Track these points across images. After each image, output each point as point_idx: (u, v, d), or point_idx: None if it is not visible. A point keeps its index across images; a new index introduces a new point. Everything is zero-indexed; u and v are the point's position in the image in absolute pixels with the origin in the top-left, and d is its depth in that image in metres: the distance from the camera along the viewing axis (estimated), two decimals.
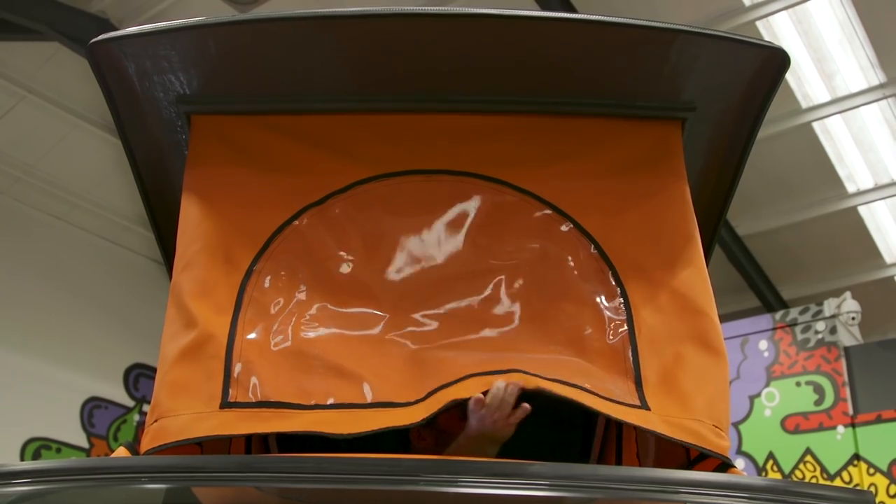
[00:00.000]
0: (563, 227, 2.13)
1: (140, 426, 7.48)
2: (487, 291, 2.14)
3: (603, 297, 2.14)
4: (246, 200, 2.12)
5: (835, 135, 6.83)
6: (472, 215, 2.14)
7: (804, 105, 6.57)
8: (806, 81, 6.40)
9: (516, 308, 2.14)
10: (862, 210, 7.42)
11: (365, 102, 2.11)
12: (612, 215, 2.19)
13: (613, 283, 2.14)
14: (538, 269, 2.15)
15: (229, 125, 2.11)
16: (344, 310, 2.08)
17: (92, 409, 7.27)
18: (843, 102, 6.50)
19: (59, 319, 7.21)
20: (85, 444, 7.11)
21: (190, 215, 2.08)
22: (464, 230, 2.15)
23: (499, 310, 2.14)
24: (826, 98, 6.50)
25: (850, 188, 7.25)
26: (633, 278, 2.13)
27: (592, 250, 2.16)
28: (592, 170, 2.20)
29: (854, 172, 7.12)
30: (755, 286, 7.94)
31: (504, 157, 2.15)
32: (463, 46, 1.99)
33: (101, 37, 1.98)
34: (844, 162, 7.05)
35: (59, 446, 6.92)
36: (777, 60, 2.01)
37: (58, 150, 7.05)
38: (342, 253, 2.13)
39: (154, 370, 8.07)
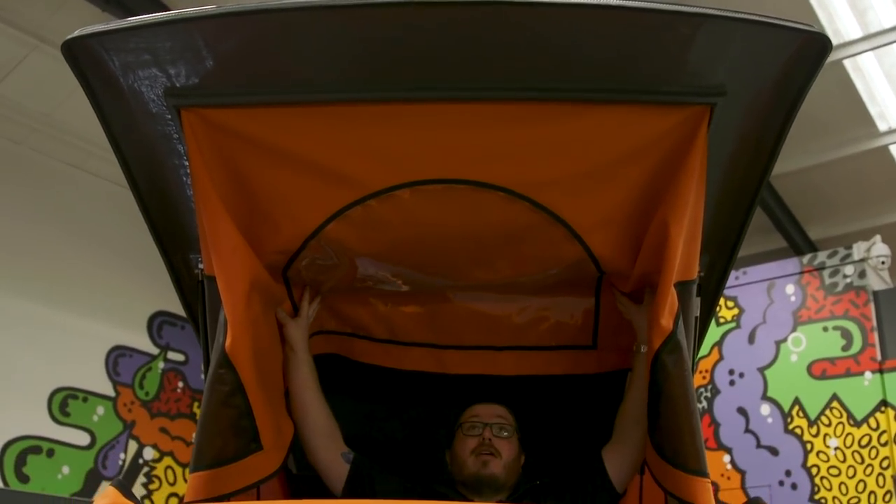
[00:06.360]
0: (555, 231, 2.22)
1: (164, 373, 7.52)
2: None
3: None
4: (256, 204, 2.15)
5: (866, 72, 6.66)
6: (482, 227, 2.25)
7: (835, 42, 6.34)
8: (837, 17, 6.20)
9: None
10: (893, 149, 7.27)
11: (366, 93, 2.00)
12: (615, 213, 2.19)
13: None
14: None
15: (221, 118, 2.02)
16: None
17: (117, 357, 7.31)
18: (875, 39, 6.31)
19: (82, 268, 7.20)
20: (111, 393, 7.16)
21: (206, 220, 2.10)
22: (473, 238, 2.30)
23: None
24: (858, 34, 6.31)
25: (882, 126, 7.08)
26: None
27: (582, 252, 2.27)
28: (604, 164, 2.10)
29: (886, 110, 6.96)
30: (782, 227, 7.82)
31: (509, 153, 2.08)
32: (476, 34, 1.87)
33: (76, 33, 1.87)
34: (876, 100, 6.87)
35: (86, 395, 6.98)
36: (816, 45, 1.89)
37: (72, 99, 6.95)
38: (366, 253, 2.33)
39: (177, 317, 7.98)
